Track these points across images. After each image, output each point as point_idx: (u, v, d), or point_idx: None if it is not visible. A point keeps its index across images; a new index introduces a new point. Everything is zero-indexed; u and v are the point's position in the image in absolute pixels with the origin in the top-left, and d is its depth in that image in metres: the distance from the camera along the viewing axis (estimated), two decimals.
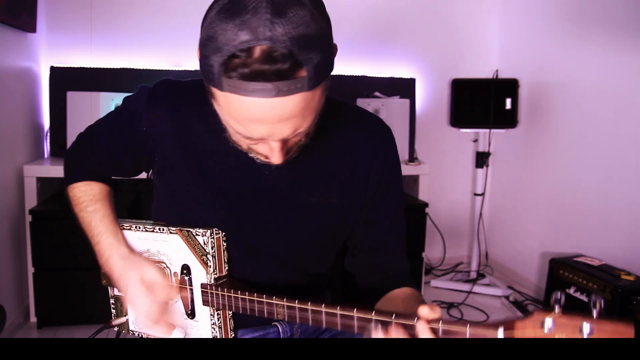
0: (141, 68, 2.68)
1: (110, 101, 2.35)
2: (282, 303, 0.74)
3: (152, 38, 2.75)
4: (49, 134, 2.60)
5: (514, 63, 3.10)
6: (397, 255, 0.97)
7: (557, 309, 0.55)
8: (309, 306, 0.70)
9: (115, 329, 1.00)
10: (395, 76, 3.06)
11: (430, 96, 3.19)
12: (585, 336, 0.52)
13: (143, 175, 1.02)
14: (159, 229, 0.89)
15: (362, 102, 2.64)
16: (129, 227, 0.93)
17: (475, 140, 3.03)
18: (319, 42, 0.64)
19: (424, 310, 0.63)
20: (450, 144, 3.24)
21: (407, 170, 2.66)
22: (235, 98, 0.64)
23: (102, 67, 2.64)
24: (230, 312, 0.87)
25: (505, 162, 3.18)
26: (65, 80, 2.55)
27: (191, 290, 0.87)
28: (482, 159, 2.96)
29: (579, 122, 2.56)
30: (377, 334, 0.65)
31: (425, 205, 2.61)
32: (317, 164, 0.88)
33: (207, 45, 0.64)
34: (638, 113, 2.23)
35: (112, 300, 1.01)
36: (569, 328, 0.54)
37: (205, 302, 0.85)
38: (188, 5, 2.70)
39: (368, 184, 0.91)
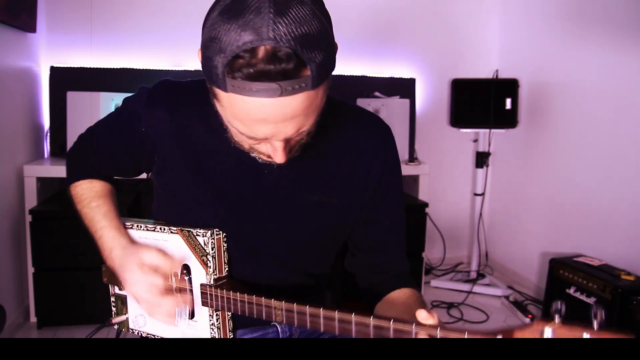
0: (141, 68, 2.68)
1: (110, 101, 2.35)
2: (281, 306, 0.74)
3: (152, 38, 2.75)
4: (49, 134, 2.60)
5: (514, 63, 3.10)
6: (397, 255, 0.97)
7: (557, 318, 0.54)
8: (307, 309, 0.70)
9: (115, 327, 1.00)
10: (395, 76, 3.06)
11: (430, 96, 3.19)
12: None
13: (143, 175, 1.03)
14: (160, 229, 0.89)
15: (362, 102, 2.64)
16: (130, 226, 0.94)
17: (475, 140, 3.03)
18: (322, 41, 0.64)
19: (421, 314, 0.64)
20: (450, 144, 3.24)
21: (407, 170, 2.66)
22: (239, 99, 0.64)
23: (102, 67, 2.64)
24: (229, 313, 0.87)
25: (505, 162, 3.18)
26: (65, 80, 2.55)
27: (191, 290, 0.87)
28: (482, 159, 2.96)
29: (579, 122, 2.56)
30: None
31: (425, 205, 2.61)
32: (318, 163, 0.88)
33: (210, 46, 0.63)
34: (638, 113, 2.23)
35: (112, 299, 1.01)
36: None
37: (204, 303, 0.85)
38: (188, 5, 2.70)
39: (368, 183, 0.91)
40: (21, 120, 2.36)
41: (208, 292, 0.84)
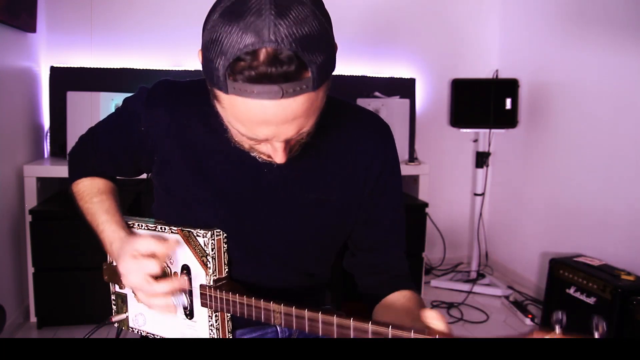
0: (141, 68, 2.69)
1: (110, 101, 2.35)
2: (279, 309, 0.74)
3: (152, 38, 2.75)
4: (49, 134, 2.60)
5: (514, 63, 3.10)
6: (397, 256, 0.97)
7: (557, 329, 0.53)
8: (306, 314, 0.70)
9: (115, 325, 1.00)
10: (395, 76, 3.06)
11: (430, 96, 3.19)
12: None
13: (143, 175, 1.03)
14: (161, 228, 0.89)
15: (362, 102, 2.64)
16: (131, 225, 0.94)
17: (475, 140, 3.03)
18: (322, 42, 0.64)
19: (431, 314, 0.64)
20: (450, 144, 3.24)
21: (407, 170, 2.66)
22: (240, 101, 0.64)
23: (102, 67, 2.64)
24: (229, 314, 0.87)
25: (505, 162, 3.18)
26: (65, 80, 2.55)
27: (190, 291, 0.87)
28: (482, 159, 2.96)
29: (579, 122, 2.56)
30: None
31: (425, 205, 2.61)
32: (317, 163, 0.88)
33: (210, 49, 0.63)
34: (638, 113, 2.23)
35: (113, 297, 1.01)
36: None
37: (203, 304, 0.85)
38: (188, 5, 2.70)
39: (367, 183, 0.91)
40: (21, 120, 2.36)
41: (207, 293, 0.84)
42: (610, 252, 2.29)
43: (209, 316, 0.86)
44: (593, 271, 2.09)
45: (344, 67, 2.94)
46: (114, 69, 2.65)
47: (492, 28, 3.25)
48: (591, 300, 2.04)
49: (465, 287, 2.86)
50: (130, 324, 0.98)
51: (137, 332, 0.98)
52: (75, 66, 2.61)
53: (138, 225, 0.93)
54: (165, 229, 0.89)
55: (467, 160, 3.30)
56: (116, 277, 0.92)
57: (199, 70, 0.67)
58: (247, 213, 0.88)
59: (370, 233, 0.95)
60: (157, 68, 2.72)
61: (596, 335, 0.52)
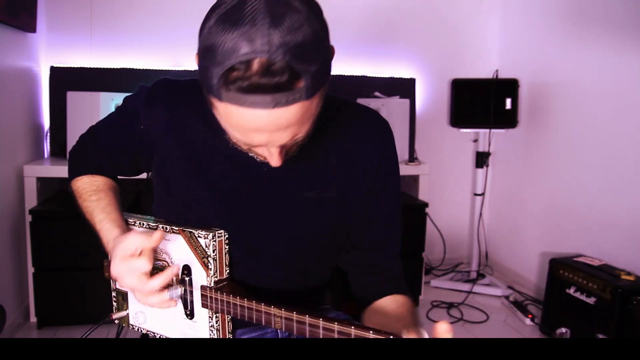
0: (141, 68, 2.69)
1: (110, 101, 2.35)
2: (280, 313, 0.74)
3: (152, 38, 2.75)
4: (49, 134, 2.60)
5: (514, 63, 3.10)
6: (393, 255, 0.97)
7: None
8: (307, 319, 0.70)
9: (116, 322, 1.00)
10: (395, 76, 3.06)
11: (430, 96, 3.19)
12: None
13: (143, 175, 1.03)
14: (162, 227, 0.89)
15: (362, 102, 2.63)
16: (133, 223, 0.94)
17: (475, 140, 3.03)
18: (317, 50, 0.64)
19: (442, 327, 0.61)
20: (450, 144, 3.24)
21: (407, 170, 2.66)
22: (234, 109, 0.64)
23: (102, 67, 2.64)
24: (229, 315, 0.87)
25: (505, 162, 3.18)
26: (65, 80, 2.55)
27: (191, 291, 0.87)
28: (482, 159, 2.96)
29: (579, 122, 2.56)
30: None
31: (425, 205, 2.61)
32: (317, 163, 0.89)
33: (205, 56, 0.64)
34: (638, 113, 2.23)
35: (113, 294, 1.01)
36: None
37: (204, 305, 0.85)
38: (188, 5, 2.70)
39: (366, 183, 0.91)
40: (21, 120, 2.36)
41: (208, 295, 0.84)
42: (610, 252, 2.29)
43: (210, 317, 0.86)
44: (593, 271, 2.09)
45: (344, 67, 2.94)
46: (114, 69, 2.65)
47: (492, 28, 3.25)
48: (591, 300, 2.04)
49: (465, 287, 2.86)
50: (131, 322, 0.98)
51: (138, 329, 0.98)
52: (75, 66, 2.61)
53: (139, 223, 0.93)
54: (166, 228, 0.89)
55: (467, 160, 3.30)
56: None
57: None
58: (247, 213, 0.88)
59: (367, 231, 0.95)
60: (157, 68, 2.72)
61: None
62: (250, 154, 0.79)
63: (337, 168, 0.90)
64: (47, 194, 2.38)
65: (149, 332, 0.96)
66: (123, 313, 0.98)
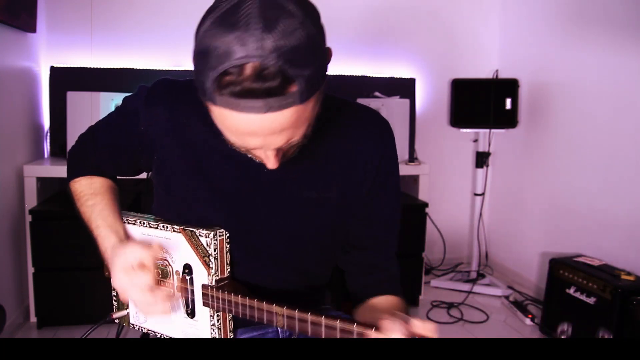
0: (141, 68, 2.69)
1: (110, 101, 2.35)
2: (282, 312, 0.74)
3: (152, 38, 2.75)
4: (49, 134, 2.60)
5: (514, 63, 3.10)
6: (390, 255, 0.97)
7: None
8: (309, 317, 0.70)
9: (116, 321, 1.00)
10: (395, 76, 3.06)
11: (430, 96, 3.19)
12: None
13: (143, 175, 1.03)
14: (163, 226, 0.89)
15: (362, 102, 2.63)
16: (133, 222, 0.93)
17: (475, 140, 3.03)
18: (311, 54, 0.64)
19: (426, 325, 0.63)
20: (450, 144, 3.24)
21: (407, 170, 2.66)
22: (227, 113, 0.65)
23: (102, 67, 2.64)
24: (230, 314, 0.87)
25: (505, 162, 3.18)
26: (65, 80, 2.55)
27: (192, 290, 0.87)
28: (482, 159, 2.96)
29: (579, 122, 2.56)
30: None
31: (425, 205, 2.61)
32: (317, 163, 0.89)
33: (200, 60, 0.64)
34: (638, 113, 2.23)
35: (114, 293, 1.01)
36: None
37: (205, 304, 0.85)
38: (188, 5, 2.70)
39: (366, 183, 0.92)
40: (21, 120, 2.36)
41: (209, 294, 0.84)
42: (610, 252, 2.29)
43: (211, 316, 0.86)
44: (593, 271, 2.09)
45: (344, 67, 2.93)
46: (114, 69, 2.65)
47: (492, 28, 3.25)
48: (591, 300, 2.04)
49: (465, 287, 2.86)
50: (132, 321, 0.98)
51: (138, 328, 0.98)
52: (75, 66, 2.61)
53: (140, 222, 0.93)
54: (167, 227, 0.89)
55: (467, 160, 3.30)
56: None
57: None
58: (247, 213, 0.88)
59: (367, 231, 0.95)
60: (157, 68, 2.72)
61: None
62: (249, 155, 0.79)
63: (337, 168, 0.90)
64: (47, 194, 2.38)
65: (149, 332, 0.96)
66: (123, 312, 0.98)
